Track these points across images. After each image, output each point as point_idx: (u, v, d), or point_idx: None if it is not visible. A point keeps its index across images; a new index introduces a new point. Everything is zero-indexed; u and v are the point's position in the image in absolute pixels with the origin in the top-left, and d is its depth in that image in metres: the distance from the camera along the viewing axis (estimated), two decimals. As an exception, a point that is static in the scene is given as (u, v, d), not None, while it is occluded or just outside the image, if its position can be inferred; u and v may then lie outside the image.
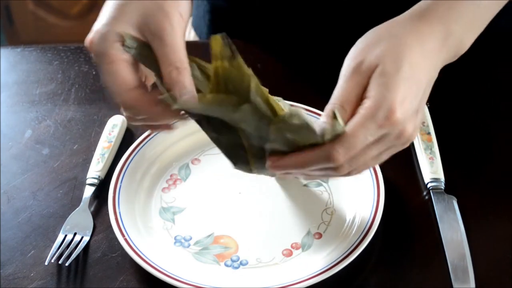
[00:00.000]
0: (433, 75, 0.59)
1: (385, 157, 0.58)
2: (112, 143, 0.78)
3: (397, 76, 0.55)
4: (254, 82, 0.54)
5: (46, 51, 0.97)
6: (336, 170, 0.55)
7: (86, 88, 0.89)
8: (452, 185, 0.71)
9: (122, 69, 0.57)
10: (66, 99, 0.87)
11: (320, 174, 0.58)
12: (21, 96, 0.89)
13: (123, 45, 0.56)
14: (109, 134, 0.80)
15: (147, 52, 0.58)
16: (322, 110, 0.78)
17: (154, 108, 0.57)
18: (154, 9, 0.57)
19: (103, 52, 0.56)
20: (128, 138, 0.80)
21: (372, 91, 0.55)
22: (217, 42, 0.54)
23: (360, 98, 0.56)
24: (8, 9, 2.10)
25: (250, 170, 0.61)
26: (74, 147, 0.80)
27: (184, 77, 0.56)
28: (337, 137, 0.54)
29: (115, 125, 0.81)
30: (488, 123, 0.81)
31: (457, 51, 0.61)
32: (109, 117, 0.82)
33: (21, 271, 0.66)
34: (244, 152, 0.59)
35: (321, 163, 0.55)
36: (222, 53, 0.54)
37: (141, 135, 0.77)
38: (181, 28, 0.57)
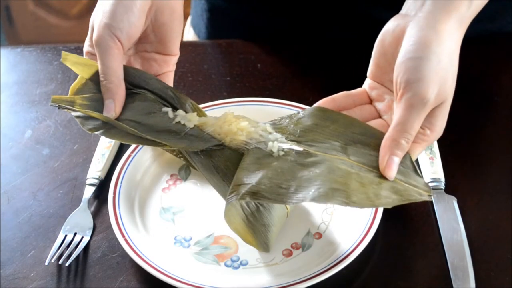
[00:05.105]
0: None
1: None
2: (112, 143, 0.78)
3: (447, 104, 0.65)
4: None
5: (46, 51, 0.97)
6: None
7: (86, 88, 0.89)
8: (452, 185, 0.71)
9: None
10: (66, 99, 0.87)
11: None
12: (21, 96, 0.89)
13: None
14: (109, 134, 0.79)
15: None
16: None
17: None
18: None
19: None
20: (128, 138, 0.80)
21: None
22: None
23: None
24: (8, 9, 2.10)
25: None
26: (74, 147, 0.80)
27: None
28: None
29: (115, 125, 0.81)
30: (488, 123, 0.81)
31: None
32: (109, 117, 0.82)
33: (21, 271, 0.66)
34: None
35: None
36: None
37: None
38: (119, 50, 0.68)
